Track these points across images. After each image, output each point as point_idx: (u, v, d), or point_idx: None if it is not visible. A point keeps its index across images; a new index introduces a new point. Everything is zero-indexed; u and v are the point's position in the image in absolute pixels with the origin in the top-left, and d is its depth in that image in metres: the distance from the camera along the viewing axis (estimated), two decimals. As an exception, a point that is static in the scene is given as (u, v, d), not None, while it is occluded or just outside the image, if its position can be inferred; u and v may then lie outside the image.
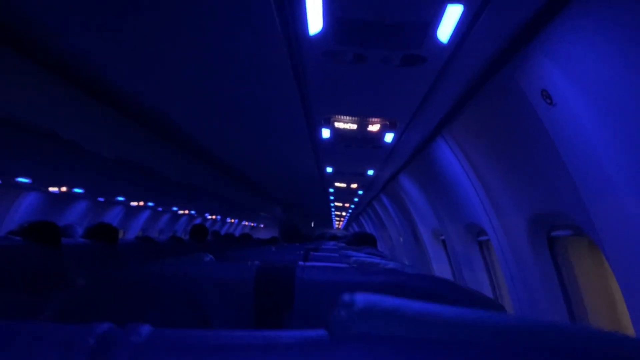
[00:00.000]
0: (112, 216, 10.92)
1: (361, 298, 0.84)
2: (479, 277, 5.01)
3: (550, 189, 2.79)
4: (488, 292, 4.89)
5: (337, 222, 19.79)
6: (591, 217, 2.39)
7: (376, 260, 2.40)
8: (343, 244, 5.11)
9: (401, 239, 9.17)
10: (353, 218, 16.63)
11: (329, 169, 6.50)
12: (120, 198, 10.23)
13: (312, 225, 20.19)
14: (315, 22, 2.19)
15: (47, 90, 3.66)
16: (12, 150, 4.91)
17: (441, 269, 6.68)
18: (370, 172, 6.53)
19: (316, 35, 2.31)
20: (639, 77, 1.83)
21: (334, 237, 9.32)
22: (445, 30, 2.16)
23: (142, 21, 2.57)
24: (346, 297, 0.86)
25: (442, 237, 6.19)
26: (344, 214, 15.26)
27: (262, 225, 23.67)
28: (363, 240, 3.71)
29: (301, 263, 1.58)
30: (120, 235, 10.88)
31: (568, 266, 3.31)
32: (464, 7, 1.96)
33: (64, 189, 8.16)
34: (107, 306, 1.34)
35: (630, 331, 2.46)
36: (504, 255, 3.82)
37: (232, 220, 20.08)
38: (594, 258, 3.29)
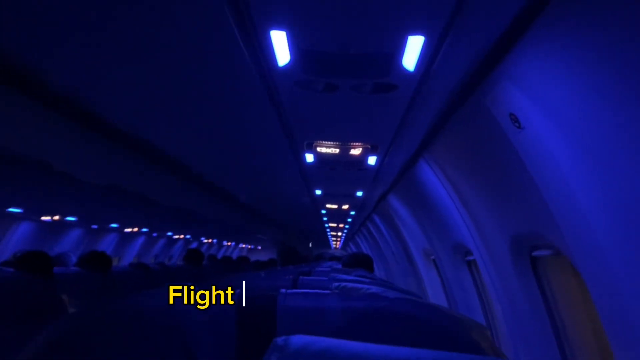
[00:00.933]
0: (107, 243, 10.90)
1: (296, 340, 0.86)
2: (469, 297, 5.00)
3: (526, 210, 2.81)
4: (478, 311, 4.88)
5: (334, 242, 19.74)
6: (564, 236, 2.41)
7: (359, 285, 2.41)
8: (339, 266, 5.10)
9: (395, 259, 9.16)
10: (349, 238, 16.61)
11: (318, 192, 6.52)
12: (114, 225, 10.22)
13: (310, 245, 20.13)
14: (282, 54, 2.23)
15: (38, 122, 3.68)
16: (3, 181, 4.93)
17: (434, 289, 6.66)
18: (359, 194, 6.54)
19: (285, 67, 2.35)
20: (601, 101, 1.87)
21: (334, 258, 9.31)
22: (410, 59, 2.20)
23: (132, 58, 2.63)
24: (280, 340, 0.87)
25: (433, 257, 6.19)
26: (339, 234, 15.23)
27: (259, 247, 23.60)
28: (359, 262, 3.71)
29: (283, 291, 1.58)
30: (115, 262, 10.83)
31: (551, 285, 3.31)
32: (425, 37, 2.00)
33: (56, 217, 8.16)
34: (91, 339, 1.34)
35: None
36: (490, 275, 3.82)
37: (229, 243, 20.02)
38: (576, 276, 3.29)
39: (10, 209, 6.82)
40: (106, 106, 3.68)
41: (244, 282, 3.09)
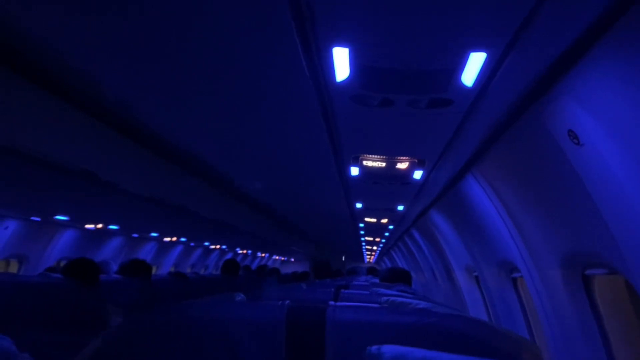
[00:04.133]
0: (146, 252, 11.08)
1: (388, 349, 0.87)
2: (513, 315, 4.91)
3: (581, 228, 2.76)
4: (523, 330, 4.79)
5: (368, 257, 19.61)
6: (624, 256, 2.36)
7: (407, 299, 2.40)
8: (375, 280, 5.07)
9: (434, 275, 9.06)
10: (384, 252, 16.49)
11: (359, 205, 6.51)
12: (154, 234, 10.40)
13: (343, 259, 20.05)
14: (342, 70, 2.26)
15: (87, 133, 3.81)
16: (53, 190, 5.09)
17: (475, 306, 6.56)
18: (400, 208, 6.51)
19: (343, 82, 2.38)
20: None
21: (372, 270, 9.23)
22: (469, 75, 2.21)
23: (177, 67, 2.70)
24: (374, 348, 0.89)
25: (475, 274, 6.10)
26: (374, 248, 15.14)
27: (292, 260, 23.64)
28: (397, 277, 3.67)
29: (332, 303, 1.59)
30: (153, 270, 10.97)
31: (605, 305, 3.24)
32: (487, 54, 2.01)
33: (99, 225, 8.35)
34: (141, 348, 1.37)
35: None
36: (538, 293, 3.76)
37: (263, 255, 20.12)
38: (632, 296, 3.21)
39: (57, 217, 7.01)
40: (153, 119, 3.78)
41: (290, 293, 3.10)
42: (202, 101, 3.26)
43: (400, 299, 2.39)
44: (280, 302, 1.44)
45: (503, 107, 2.66)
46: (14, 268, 7.47)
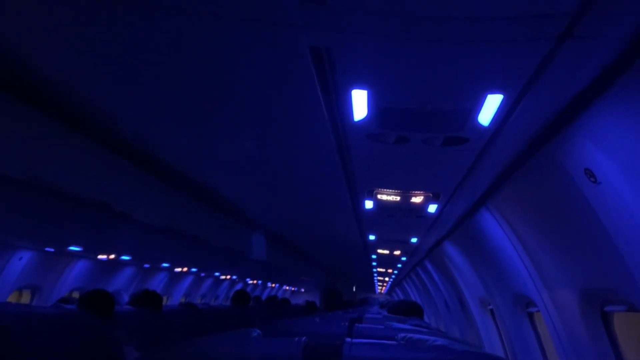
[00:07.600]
0: (157, 282, 11.05)
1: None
2: (530, 350, 4.83)
3: (599, 264, 2.74)
4: (541, 366, 4.71)
5: (379, 287, 19.46)
6: (644, 293, 2.34)
7: (424, 336, 2.38)
8: (386, 312, 5.02)
9: (447, 307, 8.96)
10: (396, 283, 16.35)
11: (372, 237, 6.51)
12: (165, 264, 10.39)
13: (354, 289, 19.89)
14: (360, 110, 2.30)
15: (101, 165, 3.87)
16: (68, 221, 5.13)
17: (490, 339, 6.46)
18: (414, 240, 6.50)
19: (361, 121, 2.43)
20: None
21: (383, 306, 9.14)
22: (486, 115, 2.24)
23: (194, 103, 2.75)
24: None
25: (490, 307, 6.03)
26: (386, 279, 15.03)
27: (302, 290, 23.48)
28: (408, 310, 3.64)
29: (348, 340, 1.59)
30: (164, 301, 10.91)
31: (626, 342, 3.19)
32: (504, 95, 2.04)
33: (112, 256, 8.37)
34: None
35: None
36: (556, 329, 3.71)
37: (273, 285, 20.01)
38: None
39: (71, 248, 7.04)
40: (167, 150, 3.84)
41: (304, 326, 3.08)
42: (218, 134, 3.30)
43: (417, 336, 2.38)
44: (296, 339, 1.44)
45: (518, 146, 2.68)
46: (26, 299, 7.48)
